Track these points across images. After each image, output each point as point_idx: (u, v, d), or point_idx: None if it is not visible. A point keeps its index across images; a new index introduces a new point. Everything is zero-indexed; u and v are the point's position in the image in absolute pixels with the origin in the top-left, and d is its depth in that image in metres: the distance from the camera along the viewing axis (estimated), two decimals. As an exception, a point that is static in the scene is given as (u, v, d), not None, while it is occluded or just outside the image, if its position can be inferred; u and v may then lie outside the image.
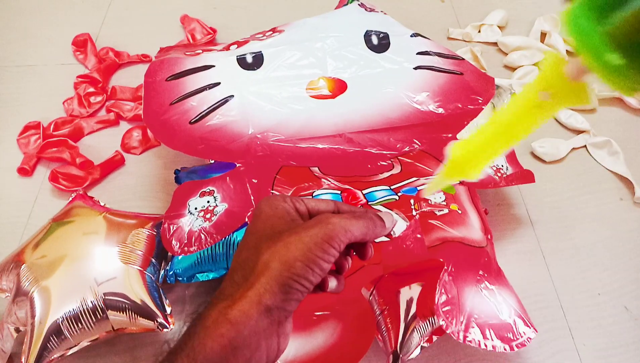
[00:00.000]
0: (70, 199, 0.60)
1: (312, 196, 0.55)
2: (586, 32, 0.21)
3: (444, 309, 0.46)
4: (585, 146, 0.75)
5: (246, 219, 0.53)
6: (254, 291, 0.28)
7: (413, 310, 0.49)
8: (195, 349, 0.27)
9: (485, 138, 0.27)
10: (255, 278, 0.28)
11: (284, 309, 0.29)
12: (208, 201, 0.55)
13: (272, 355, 0.29)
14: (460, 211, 0.55)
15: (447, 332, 0.46)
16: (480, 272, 0.52)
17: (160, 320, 0.50)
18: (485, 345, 0.47)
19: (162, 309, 0.51)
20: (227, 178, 0.57)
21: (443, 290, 0.47)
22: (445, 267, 0.48)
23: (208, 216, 0.54)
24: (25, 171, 0.69)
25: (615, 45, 0.20)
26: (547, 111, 0.24)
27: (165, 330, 0.50)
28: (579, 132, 0.76)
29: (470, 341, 0.46)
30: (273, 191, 0.55)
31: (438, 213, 0.54)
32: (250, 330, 0.27)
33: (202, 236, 0.52)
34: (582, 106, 0.23)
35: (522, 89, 0.25)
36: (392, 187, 0.57)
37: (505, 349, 0.47)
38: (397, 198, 0.55)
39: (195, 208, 0.54)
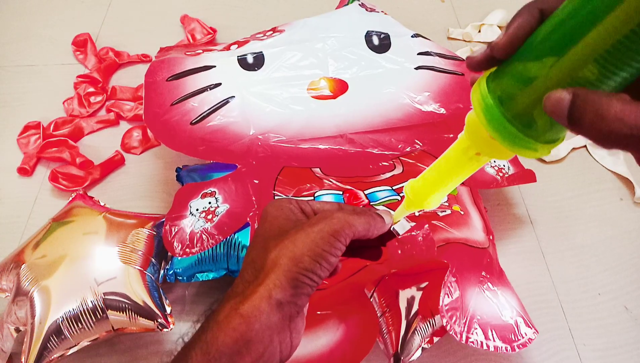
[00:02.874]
0: (70, 199, 0.60)
1: (314, 197, 0.55)
2: (491, 111, 0.24)
3: (447, 310, 0.46)
4: (585, 146, 0.75)
5: (248, 220, 0.53)
6: (264, 287, 0.29)
7: (415, 308, 0.49)
8: (208, 342, 0.28)
9: (433, 178, 0.30)
10: (265, 275, 0.29)
11: (294, 304, 0.29)
12: (209, 202, 0.55)
13: (286, 351, 0.30)
14: (462, 212, 0.55)
15: (450, 332, 0.46)
16: (483, 273, 0.52)
17: (160, 320, 0.50)
18: (488, 346, 0.47)
19: (162, 309, 0.51)
20: (229, 179, 0.57)
21: (447, 291, 0.47)
22: (450, 268, 0.48)
23: (210, 217, 0.53)
24: (25, 171, 0.69)
25: (515, 119, 0.23)
26: (479, 163, 0.28)
27: (165, 330, 0.50)
28: (579, 132, 0.76)
29: (472, 342, 0.46)
30: (275, 192, 0.55)
31: (440, 214, 0.54)
32: (261, 324, 0.28)
33: (204, 237, 0.52)
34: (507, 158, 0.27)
35: (455, 144, 0.28)
36: (394, 187, 0.57)
37: (506, 349, 0.47)
38: (399, 198, 0.55)
39: (197, 209, 0.54)
